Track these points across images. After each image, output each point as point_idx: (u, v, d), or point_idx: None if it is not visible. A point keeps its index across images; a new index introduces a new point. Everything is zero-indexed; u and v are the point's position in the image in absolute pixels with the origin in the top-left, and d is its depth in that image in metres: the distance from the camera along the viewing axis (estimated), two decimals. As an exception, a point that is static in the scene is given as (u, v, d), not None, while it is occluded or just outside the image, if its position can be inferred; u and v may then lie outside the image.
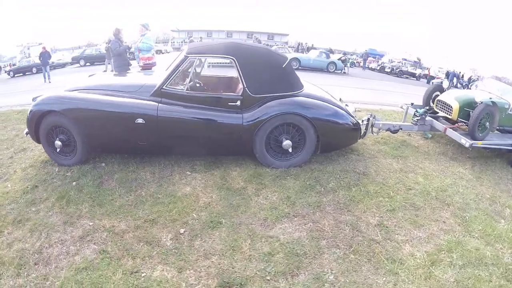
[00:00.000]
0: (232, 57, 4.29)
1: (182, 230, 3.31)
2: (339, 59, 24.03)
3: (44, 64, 18.07)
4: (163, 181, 4.16)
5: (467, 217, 4.06)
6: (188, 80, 4.47)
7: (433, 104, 6.85)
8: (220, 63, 6.38)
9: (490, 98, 6.15)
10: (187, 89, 4.34)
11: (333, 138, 4.72)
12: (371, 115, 5.67)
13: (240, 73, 4.26)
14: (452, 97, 6.43)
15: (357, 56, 37.47)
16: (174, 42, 54.16)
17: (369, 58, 34.91)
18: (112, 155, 4.66)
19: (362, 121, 5.38)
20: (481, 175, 5.50)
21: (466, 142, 5.59)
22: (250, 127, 4.24)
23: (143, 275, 2.79)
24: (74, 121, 4.19)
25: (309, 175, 4.44)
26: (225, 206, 3.71)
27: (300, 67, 21.59)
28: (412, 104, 7.09)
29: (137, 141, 4.26)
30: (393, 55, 44.98)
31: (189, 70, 4.62)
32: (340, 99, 5.70)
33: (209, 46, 4.99)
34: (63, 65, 29.32)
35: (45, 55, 18.06)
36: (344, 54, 34.39)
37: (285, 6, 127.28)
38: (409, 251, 3.28)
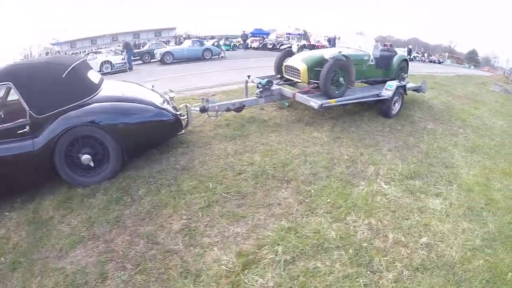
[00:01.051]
0: (8, 83, 4.02)
1: None
2: (213, 44, 24.25)
3: None
4: (-18, 233, 3.81)
5: (312, 192, 3.74)
6: None
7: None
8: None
9: (340, 52, 6.00)
10: None
11: (137, 139, 4.31)
12: (203, 98, 5.19)
13: (21, 96, 3.95)
14: (299, 60, 6.19)
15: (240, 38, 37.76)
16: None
17: (250, 38, 35.31)
18: None
19: (179, 110, 4.88)
20: (342, 134, 5.30)
21: (315, 103, 5.34)
22: (43, 151, 3.91)
23: None
24: None
25: (119, 185, 3.90)
26: (30, 242, 3.41)
27: (174, 60, 20.93)
28: (249, 77, 6.60)
29: None
30: (279, 31, 46.24)
31: None
32: (168, 92, 5.13)
33: None
34: None
35: None
36: (226, 38, 34.66)
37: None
38: (215, 256, 2.81)
